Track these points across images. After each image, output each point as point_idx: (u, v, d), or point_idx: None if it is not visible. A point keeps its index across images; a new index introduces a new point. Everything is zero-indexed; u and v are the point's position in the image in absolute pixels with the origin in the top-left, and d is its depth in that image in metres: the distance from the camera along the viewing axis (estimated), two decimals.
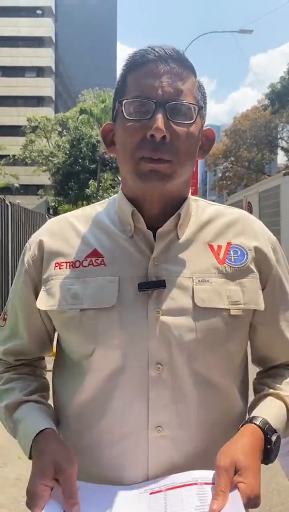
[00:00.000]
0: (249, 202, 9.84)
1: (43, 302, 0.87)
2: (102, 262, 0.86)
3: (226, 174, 34.23)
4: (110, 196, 0.98)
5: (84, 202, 21.64)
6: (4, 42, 41.25)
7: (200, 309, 0.82)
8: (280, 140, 31.35)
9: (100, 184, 27.38)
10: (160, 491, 0.74)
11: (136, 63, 0.82)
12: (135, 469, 0.81)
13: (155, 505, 0.71)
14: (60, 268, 0.87)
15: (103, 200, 0.99)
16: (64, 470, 0.74)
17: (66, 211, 1.01)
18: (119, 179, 0.95)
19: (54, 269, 0.88)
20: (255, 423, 0.79)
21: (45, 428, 0.82)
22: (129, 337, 0.81)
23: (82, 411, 0.85)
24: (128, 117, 0.80)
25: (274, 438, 0.78)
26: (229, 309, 0.83)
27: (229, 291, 0.84)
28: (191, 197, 0.92)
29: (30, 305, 0.90)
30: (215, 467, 0.72)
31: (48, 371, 0.97)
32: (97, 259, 0.86)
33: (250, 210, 9.51)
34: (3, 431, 0.94)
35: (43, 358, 1.01)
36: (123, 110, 0.81)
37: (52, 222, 0.96)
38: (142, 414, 0.80)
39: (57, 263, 0.88)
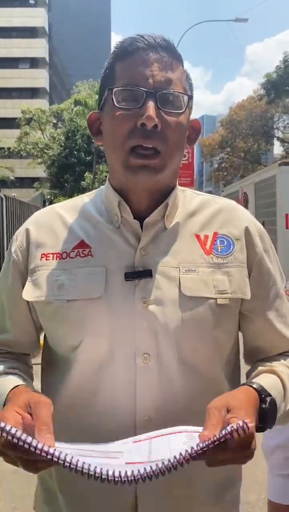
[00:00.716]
0: (245, 193, 9.83)
1: (30, 293, 0.87)
2: (89, 253, 0.85)
3: (222, 165, 34.13)
4: None
5: (80, 195, 21.54)
6: None
7: (186, 298, 0.81)
8: (276, 130, 31.23)
9: (96, 176, 27.26)
10: (145, 440, 0.70)
11: (125, 50, 0.81)
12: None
13: (138, 449, 0.68)
14: (46, 259, 0.87)
15: (92, 191, 0.98)
16: (39, 401, 0.70)
17: None
18: None
19: (41, 260, 0.87)
20: (248, 385, 0.78)
21: (21, 384, 0.79)
22: (116, 327, 0.81)
23: (70, 402, 0.84)
24: (118, 105, 0.79)
25: (268, 399, 0.76)
26: (215, 298, 0.82)
27: (215, 281, 0.83)
28: (178, 188, 0.91)
29: (18, 296, 0.89)
30: (206, 411, 0.68)
31: (36, 364, 0.97)
32: (85, 250, 0.86)
33: (246, 201, 9.50)
34: None
35: (29, 355, 0.99)
36: (113, 98, 0.80)
37: (39, 213, 0.95)
38: (130, 403, 0.80)
39: (44, 254, 0.87)
